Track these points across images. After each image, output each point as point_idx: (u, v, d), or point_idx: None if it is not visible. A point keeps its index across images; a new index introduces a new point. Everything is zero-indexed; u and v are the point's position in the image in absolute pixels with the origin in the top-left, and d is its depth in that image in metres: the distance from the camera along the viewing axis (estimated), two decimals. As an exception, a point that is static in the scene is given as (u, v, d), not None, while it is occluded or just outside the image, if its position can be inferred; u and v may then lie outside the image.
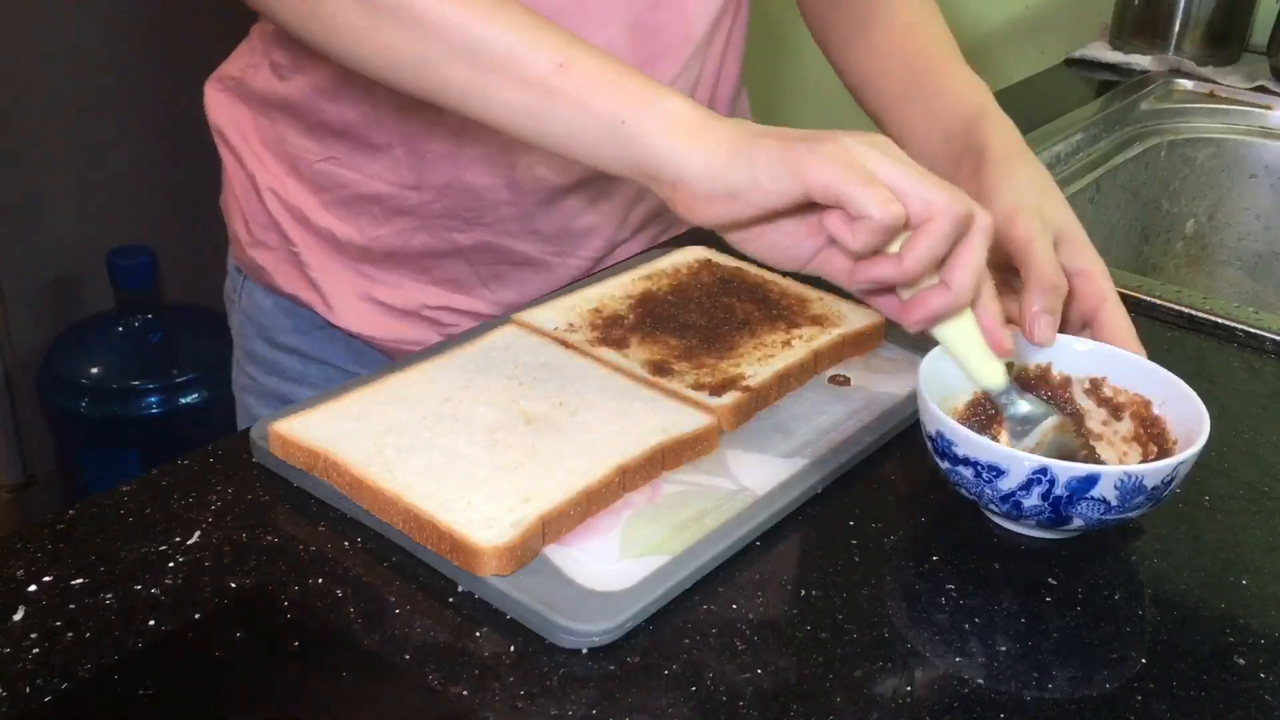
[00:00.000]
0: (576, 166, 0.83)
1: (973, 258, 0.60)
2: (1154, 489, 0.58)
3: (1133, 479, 0.57)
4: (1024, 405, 0.64)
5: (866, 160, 0.58)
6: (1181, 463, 0.58)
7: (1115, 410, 0.67)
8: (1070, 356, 0.69)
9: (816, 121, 2.01)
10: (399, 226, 0.89)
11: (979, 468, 0.59)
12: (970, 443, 0.59)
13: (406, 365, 0.71)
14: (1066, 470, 0.57)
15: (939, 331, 0.62)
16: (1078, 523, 0.59)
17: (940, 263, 0.60)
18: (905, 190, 0.58)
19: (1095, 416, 0.68)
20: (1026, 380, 0.69)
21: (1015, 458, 0.58)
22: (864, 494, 0.66)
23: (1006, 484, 0.59)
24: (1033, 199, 0.71)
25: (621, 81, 0.62)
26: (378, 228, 0.89)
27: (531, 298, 0.87)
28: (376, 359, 0.94)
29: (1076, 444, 0.65)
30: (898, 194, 0.57)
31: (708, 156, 0.60)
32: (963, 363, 0.63)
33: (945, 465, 0.61)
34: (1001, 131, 0.80)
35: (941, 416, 0.60)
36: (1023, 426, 0.64)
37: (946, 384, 0.67)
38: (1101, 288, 0.70)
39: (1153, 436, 0.65)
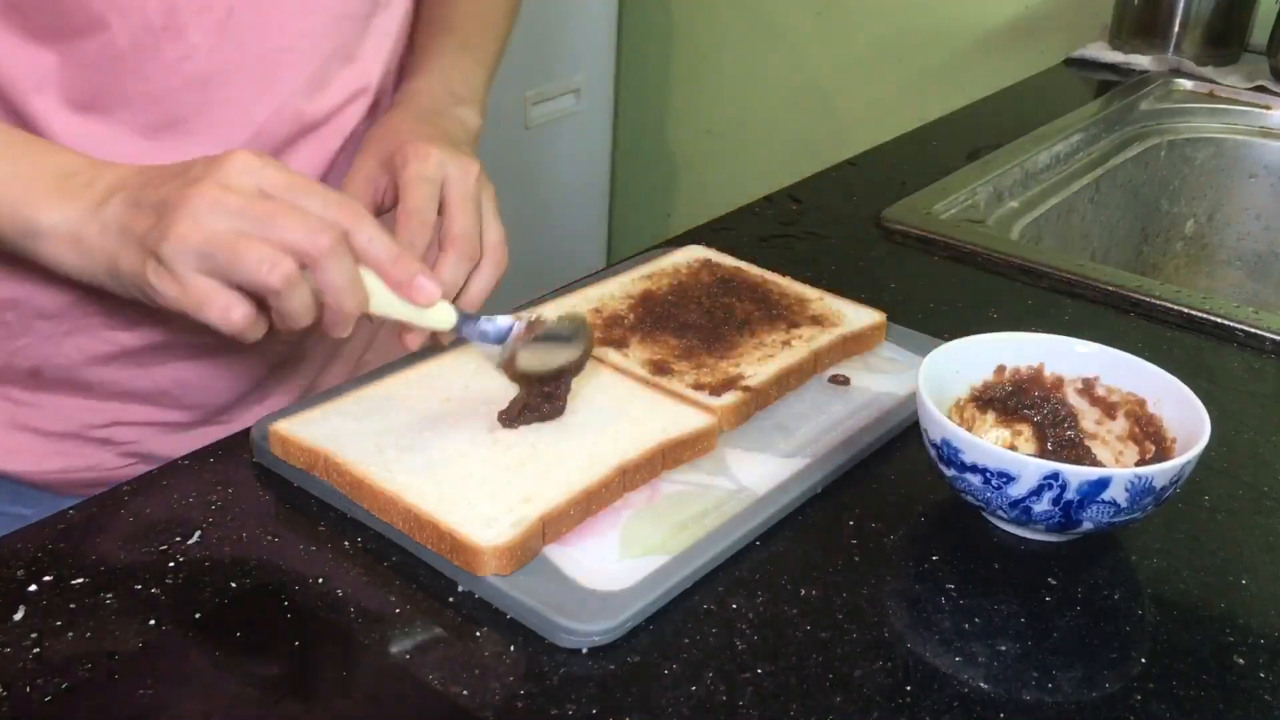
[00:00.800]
0: None
1: (341, 272, 0.59)
2: (1161, 489, 0.58)
3: (1143, 480, 0.57)
4: (488, 326, 0.65)
5: (227, 207, 0.57)
6: (1188, 462, 0.58)
7: (1109, 410, 0.67)
8: (1063, 357, 0.69)
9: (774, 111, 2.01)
10: (43, 333, 0.76)
11: (988, 474, 0.59)
12: (978, 449, 0.59)
13: (407, 365, 0.71)
14: (1078, 474, 0.57)
15: (373, 312, 0.62)
16: (1086, 526, 0.59)
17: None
18: (283, 226, 0.57)
19: (1089, 416, 0.68)
20: (1020, 382, 0.69)
21: (1025, 463, 0.58)
22: (864, 494, 0.66)
23: (1016, 490, 0.58)
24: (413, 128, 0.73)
25: None
26: (14, 339, 0.76)
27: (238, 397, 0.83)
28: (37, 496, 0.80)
29: (567, 327, 0.65)
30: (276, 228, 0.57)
31: (84, 271, 0.61)
32: (409, 322, 0.63)
33: (951, 472, 0.61)
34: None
35: (946, 423, 0.60)
36: (496, 346, 0.65)
37: (945, 386, 0.67)
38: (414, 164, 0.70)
39: (1149, 435, 0.65)
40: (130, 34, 0.67)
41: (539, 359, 0.65)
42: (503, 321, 0.65)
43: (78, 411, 0.79)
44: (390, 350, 0.89)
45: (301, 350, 0.85)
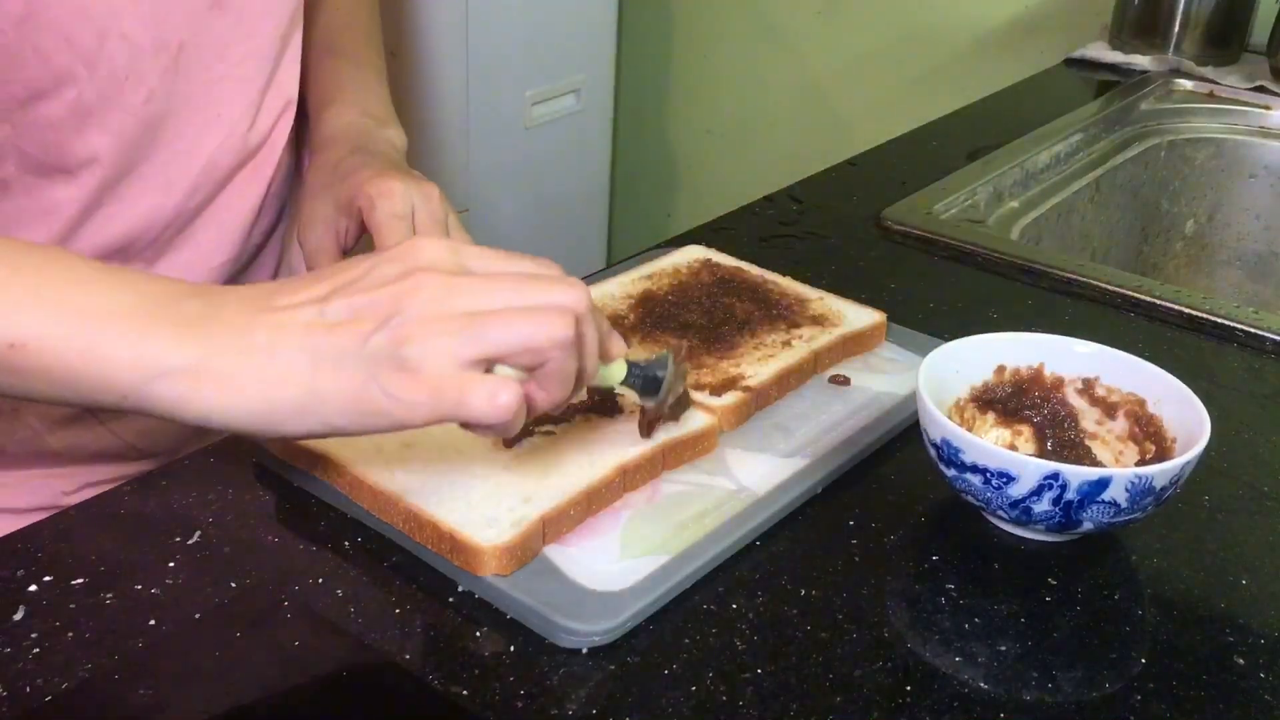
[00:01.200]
0: None
1: (593, 353, 0.54)
2: (1161, 489, 0.58)
3: (1143, 480, 0.57)
4: (645, 375, 0.60)
5: (446, 303, 0.49)
6: (1188, 462, 0.58)
7: (1109, 410, 0.67)
8: (1062, 357, 0.69)
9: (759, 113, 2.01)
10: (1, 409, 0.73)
11: (988, 474, 0.59)
12: (979, 449, 0.59)
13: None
14: (1078, 474, 0.57)
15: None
16: (1086, 526, 0.59)
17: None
18: (511, 328, 0.49)
19: (1089, 416, 0.68)
20: (1020, 382, 0.69)
21: (1026, 463, 0.58)
22: (864, 494, 0.66)
23: (1017, 490, 0.58)
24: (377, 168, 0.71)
25: (95, 353, 0.48)
26: None
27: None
28: None
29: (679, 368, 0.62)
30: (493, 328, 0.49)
31: (254, 413, 0.48)
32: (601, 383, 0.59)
33: (951, 473, 0.61)
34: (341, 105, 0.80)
35: (946, 423, 0.60)
36: (654, 392, 0.61)
37: (945, 386, 0.67)
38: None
39: (1149, 435, 0.65)
40: (97, 87, 0.67)
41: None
42: (649, 369, 0.61)
43: (48, 481, 0.77)
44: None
45: None
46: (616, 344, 0.56)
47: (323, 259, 0.72)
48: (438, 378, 0.48)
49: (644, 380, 0.60)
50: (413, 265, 0.50)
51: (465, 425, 0.50)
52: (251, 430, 0.49)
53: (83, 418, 0.77)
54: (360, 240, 0.74)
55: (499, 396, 0.48)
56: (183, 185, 0.73)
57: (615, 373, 0.58)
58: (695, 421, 0.66)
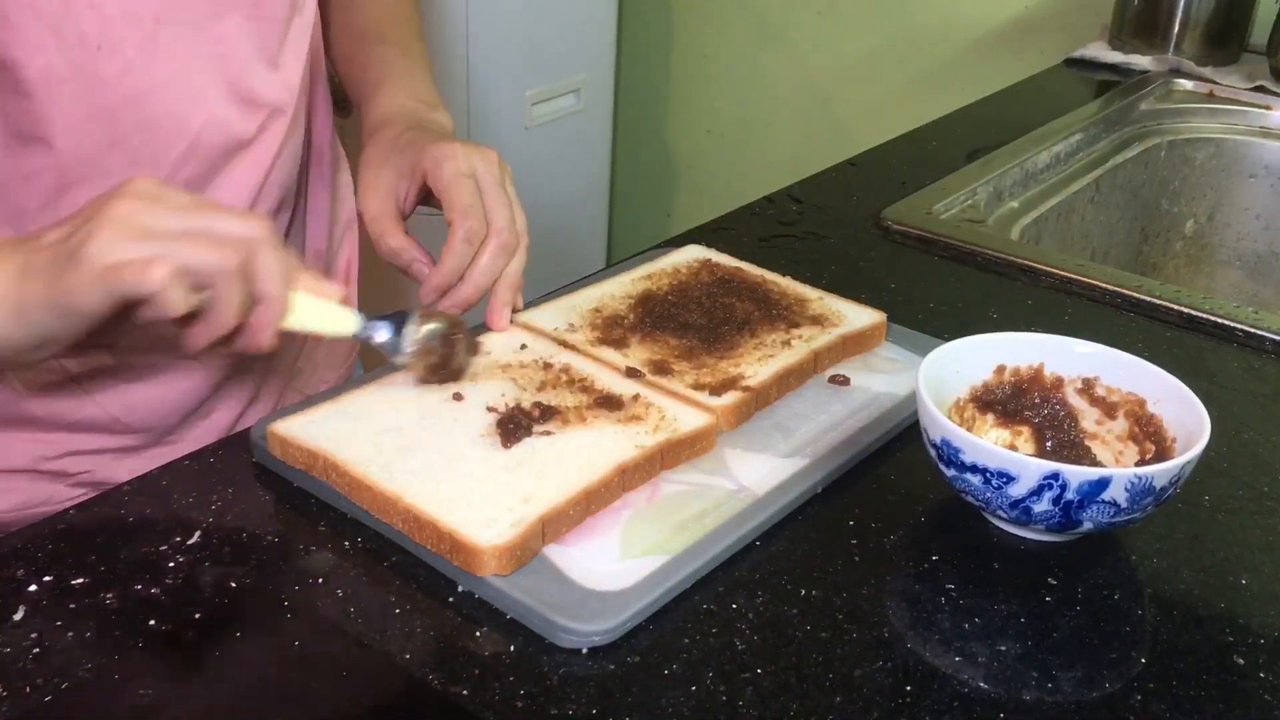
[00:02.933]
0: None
1: (272, 276, 0.61)
2: (1161, 489, 0.58)
3: (1143, 480, 0.57)
4: (384, 329, 0.68)
5: (139, 221, 0.57)
6: (1188, 462, 0.58)
7: (1109, 410, 0.67)
8: (1062, 357, 0.69)
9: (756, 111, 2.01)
10: None
11: (988, 474, 0.59)
12: (979, 449, 0.59)
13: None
14: (1078, 474, 0.57)
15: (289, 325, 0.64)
16: (1086, 526, 0.59)
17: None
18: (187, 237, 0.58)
19: (1089, 416, 0.68)
20: (1020, 382, 0.69)
21: (1026, 463, 0.58)
22: (864, 494, 0.66)
23: (1016, 490, 0.58)
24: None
25: None
26: None
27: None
28: None
29: (446, 324, 0.70)
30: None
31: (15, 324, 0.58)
32: (317, 331, 0.66)
33: (951, 472, 0.61)
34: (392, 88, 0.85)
35: (946, 423, 0.60)
36: (399, 344, 0.68)
37: (945, 386, 0.67)
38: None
39: (1149, 435, 0.65)
40: (67, 55, 0.67)
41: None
42: (396, 323, 0.69)
43: (29, 446, 0.78)
44: (318, 356, 0.92)
45: (245, 364, 0.85)
46: (323, 286, 0.64)
47: (385, 223, 0.76)
48: (104, 265, 0.56)
49: (381, 335, 0.68)
50: (121, 198, 0.58)
51: (141, 314, 0.58)
52: (32, 344, 0.59)
53: (66, 385, 0.77)
54: (416, 207, 0.79)
55: (150, 269, 0.56)
56: (166, 163, 0.73)
57: (339, 321, 0.66)
58: (695, 421, 0.66)
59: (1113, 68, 1.45)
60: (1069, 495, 0.58)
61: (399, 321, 0.69)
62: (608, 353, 0.73)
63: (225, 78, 0.75)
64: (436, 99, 0.86)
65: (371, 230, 0.77)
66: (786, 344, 0.75)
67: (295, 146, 0.83)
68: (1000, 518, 0.62)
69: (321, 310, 0.64)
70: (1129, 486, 0.57)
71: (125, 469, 0.79)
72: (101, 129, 0.70)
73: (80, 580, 0.57)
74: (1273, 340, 0.85)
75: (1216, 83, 1.38)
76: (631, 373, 0.71)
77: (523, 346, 0.74)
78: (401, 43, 0.89)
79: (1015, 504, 0.59)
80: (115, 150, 0.71)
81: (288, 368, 0.91)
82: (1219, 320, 0.87)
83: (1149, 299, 0.90)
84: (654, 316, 0.78)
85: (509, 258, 0.75)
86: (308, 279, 0.64)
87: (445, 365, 0.69)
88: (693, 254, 0.86)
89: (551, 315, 0.77)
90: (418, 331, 0.68)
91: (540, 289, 0.83)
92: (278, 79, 0.78)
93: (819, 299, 0.81)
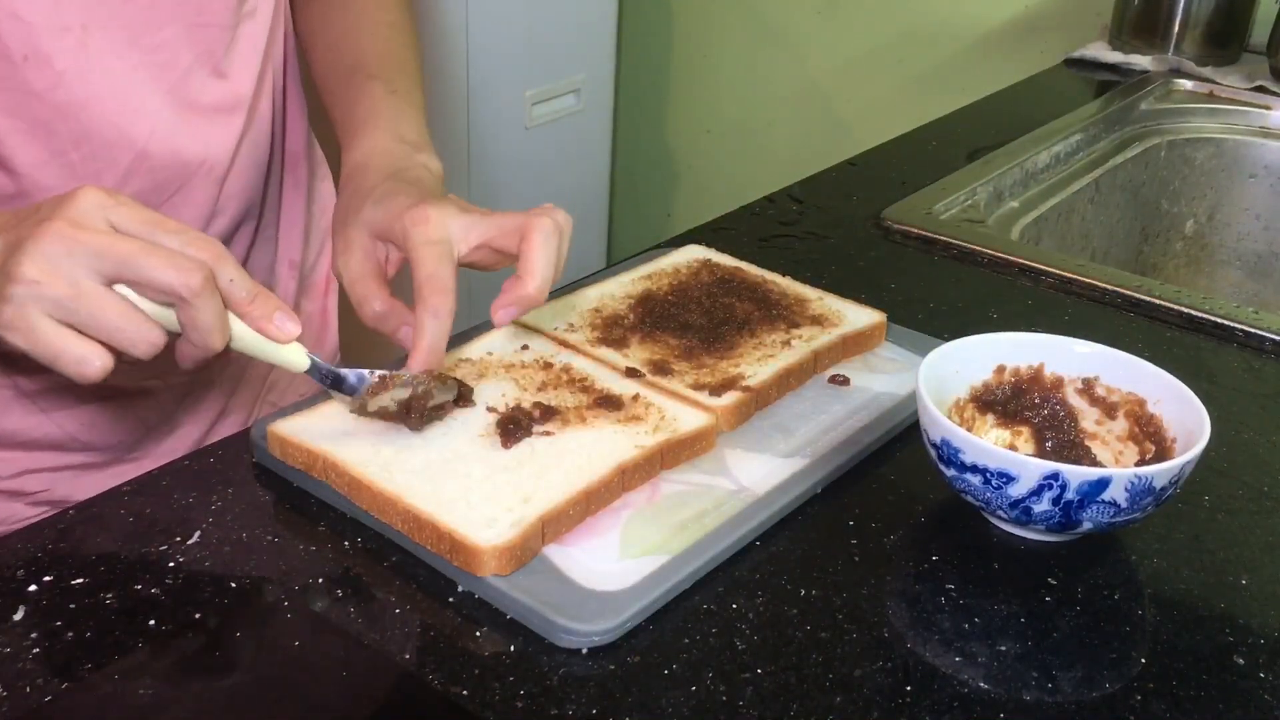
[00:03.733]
0: None
1: (212, 311, 0.57)
2: (1161, 489, 0.58)
3: (1143, 480, 0.57)
4: (347, 374, 0.64)
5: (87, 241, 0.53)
6: (1188, 462, 0.58)
7: (1109, 410, 0.67)
8: (1062, 357, 0.69)
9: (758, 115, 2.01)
10: None
11: (988, 474, 0.59)
12: (978, 449, 0.59)
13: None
14: (1078, 474, 0.57)
15: (234, 348, 0.60)
16: (1086, 526, 0.59)
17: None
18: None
19: (1089, 416, 0.68)
20: (1020, 382, 0.69)
21: (1025, 463, 0.58)
22: (864, 494, 0.66)
23: (1016, 490, 0.58)
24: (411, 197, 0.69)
25: None
26: None
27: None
28: None
29: (432, 386, 0.65)
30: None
31: None
32: (264, 358, 0.62)
33: (951, 472, 0.61)
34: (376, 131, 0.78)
35: (946, 423, 0.60)
36: (352, 395, 0.64)
37: (945, 386, 0.67)
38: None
39: (1149, 435, 0.65)
40: None
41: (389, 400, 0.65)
42: (362, 373, 0.65)
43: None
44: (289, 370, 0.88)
45: (209, 377, 0.83)
46: (281, 327, 0.59)
47: (367, 286, 0.69)
48: (33, 329, 0.53)
49: (330, 378, 0.64)
50: (62, 217, 0.54)
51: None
52: None
53: (21, 403, 0.75)
54: (400, 267, 0.72)
55: (87, 366, 0.53)
56: (112, 176, 0.72)
57: (290, 357, 0.61)
58: (695, 421, 0.66)
59: (1113, 68, 1.45)
60: (1069, 495, 0.58)
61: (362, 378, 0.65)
62: (608, 353, 0.73)
63: (166, 86, 0.73)
64: (424, 140, 0.79)
65: (352, 295, 0.70)
66: (786, 344, 0.75)
67: (256, 155, 0.81)
68: (1000, 518, 0.62)
69: (268, 347, 0.61)
70: (1129, 487, 0.57)
71: (86, 487, 0.76)
72: (38, 143, 0.69)
73: (80, 580, 0.57)
74: (1273, 340, 0.85)
75: (1216, 83, 1.38)
76: (631, 373, 0.71)
77: (524, 347, 0.74)
78: (391, 80, 0.83)
79: (1015, 504, 0.59)
80: (55, 164, 0.70)
81: (260, 378, 0.89)
82: (1219, 320, 0.87)
83: (1149, 299, 0.90)
84: (654, 316, 0.78)
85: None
86: (261, 307, 0.59)
87: (409, 412, 0.65)
88: (693, 254, 0.86)
89: (551, 315, 0.77)
90: (378, 390, 0.64)
91: (540, 289, 0.82)
92: (226, 87, 0.76)
93: (819, 299, 0.81)
